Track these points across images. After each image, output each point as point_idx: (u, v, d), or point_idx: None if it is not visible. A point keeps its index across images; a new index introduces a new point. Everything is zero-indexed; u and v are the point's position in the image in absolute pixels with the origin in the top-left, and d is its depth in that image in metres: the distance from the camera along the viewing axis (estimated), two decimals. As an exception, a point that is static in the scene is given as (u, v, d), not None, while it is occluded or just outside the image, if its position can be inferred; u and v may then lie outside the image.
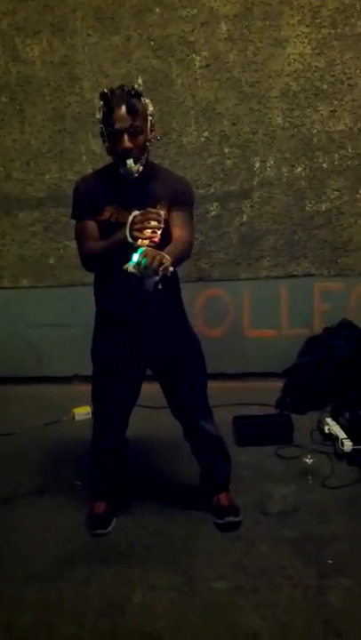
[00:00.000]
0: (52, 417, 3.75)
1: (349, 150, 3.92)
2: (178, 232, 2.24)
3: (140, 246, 1.94)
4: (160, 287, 1.92)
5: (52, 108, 4.07)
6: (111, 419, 2.57)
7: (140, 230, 1.97)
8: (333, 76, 3.83)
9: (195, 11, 3.83)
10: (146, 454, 3.18)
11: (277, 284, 4.16)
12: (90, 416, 3.69)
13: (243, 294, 4.20)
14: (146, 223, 1.97)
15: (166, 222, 2.23)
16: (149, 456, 3.18)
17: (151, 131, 2.23)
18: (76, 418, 3.76)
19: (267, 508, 2.67)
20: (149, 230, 1.97)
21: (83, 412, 3.75)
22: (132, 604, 2.14)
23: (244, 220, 4.09)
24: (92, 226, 2.27)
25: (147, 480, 2.97)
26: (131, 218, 1.99)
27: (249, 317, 4.22)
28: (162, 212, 2.04)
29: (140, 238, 1.96)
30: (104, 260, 2.21)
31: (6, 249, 4.34)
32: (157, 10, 3.86)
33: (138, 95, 2.19)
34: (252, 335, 4.24)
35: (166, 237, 2.18)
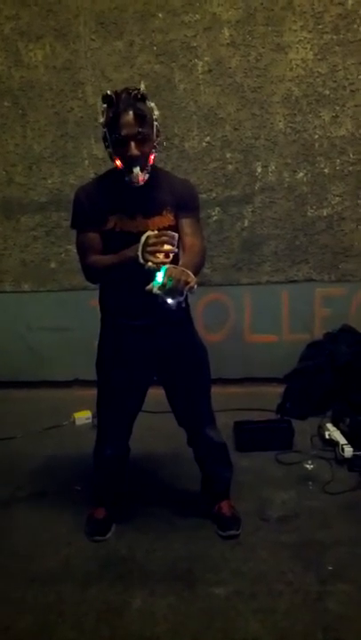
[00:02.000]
0: (53, 421, 3.75)
1: (351, 156, 3.92)
2: (190, 240, 2.20)
3: (152, 268, 1.90)
4: (183, 305, 1.90)
5: (54, 112, 4.08)
6: (116, 427, 2.55)
7: (153, 253, 1.93)
8: (335, 81, 3.83)
9: (197, 16, 3.84)
10: (147, 459, 3.17)
11: (278, 289, 4.16)
12: (90, 421, 3.70)
13: (244, 299, 4.20)
14: (159, 246, 1.93)
15: (174, 228, 2.21)
16: (151, 461, 3.18)
17: (157, 136, 2.17)
18: (77, 422, 3.75)
19: (267, 513, 2.67)
20: (162, 254, 1.93)
21: (83, 416, 3.75)
22: (132, 608, 2.14)
23: (246, 224, 4.09)
24: (94, 237, 2.22)
25: (147, 485, 2.97)
26: (144, 238, 1.95)
27: (250, 322, 4.22)
28: (176, 235, 1.97)
29: (151, 261, 1.92)
30: (110, 275, 2.20)
31: (8, 253, 4.34)
32: (160, 15, 3.87)
33: (143, 98, 2.12)
34: (252, 340, 4.24)
35: (178, 243, 2.16)
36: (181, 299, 1.86)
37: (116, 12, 3.89)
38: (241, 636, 1.99)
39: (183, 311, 2.39)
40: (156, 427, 3.24)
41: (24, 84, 4.07)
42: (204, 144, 4.01)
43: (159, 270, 1.88)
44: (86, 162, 4.11)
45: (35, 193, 4.22)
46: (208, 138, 4.00)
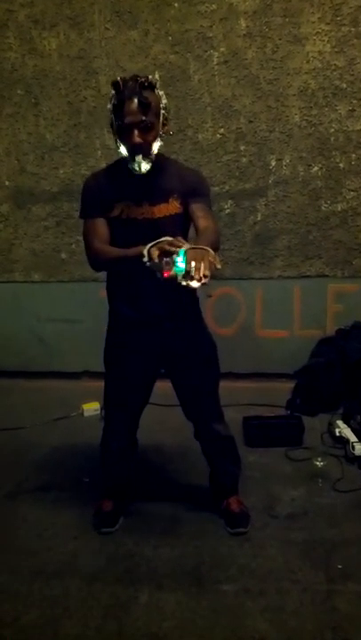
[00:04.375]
0: (62, 412, 3.74)
1: (367, 150, 3.88)
2: (204, 222, 2.17)
3: (149, 265, 1.85)
4: (206, 283, 1.78)
5: (67, 101, 4.05)
6: (123, 420, 2.54)
7: (160, 249, 1.85)
8: (353, 74, 3.78)
9: (214, 6, 3.80)
10: (156, 453, 3.16)
11: (290, 284, 4.13)
12: (98, 412, 3.69)
13: (255, 293, 4.17)
14: (170, 247, 1.85)
15: (181, 216, 2.21)
16: (159, 455, 3.17)
17: (164, 124, 2.15)
18: (85, 414, 3.74)
19: (276, 510, 2.65)
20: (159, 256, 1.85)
21: (92, 407, 3.74)
22: (139, 603, 2.13)
23: (259, 218, 4.06)
24: (101, 224, 2.21)
25: (155, 479, 2.96)
26: (162, 239, 1.89)
27: (261, 317, 4.19)
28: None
29: (152, 257, 1.85)
30: (116, 267, 2.19)
31: (18, 243, 4.33)
32: (176, 5, 3.83)
33: (152, 86, 2.10)
34: (263, 335, 4.21)
35: (181, 233, 2.13)
36: (207, 280, 1.77)
37: (132, 1, 3.86)
38: (248, 634, 1.97)
39: (192, 304, 2.38)
40: (164, 420, 3.23)
41: (37, 72, 4.04)
42: (218, 136, 3.98)
43: (177, 255, 1.81)
44: (99, 152, 4.08)
45: (46, 183, 4.20)
46: (222, 130, 3.97)
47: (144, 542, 2.45)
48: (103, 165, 3.94)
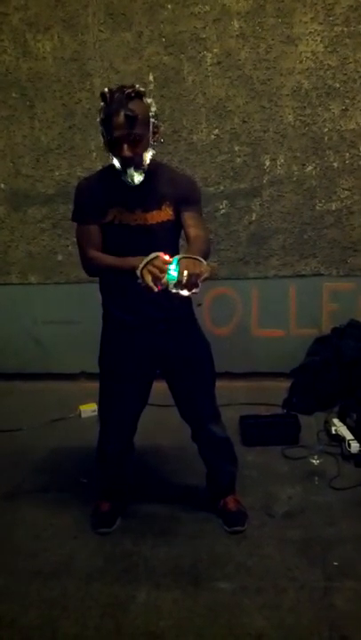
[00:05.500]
0: (59, 414, 3.75)
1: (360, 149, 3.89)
2: (195, 232, 2.19)
3: (141, 284, 1.89)
4: (196, 292, 1.86)
5: (62, 104, 4.06)
6: (119, 423, 2.53)
7: (152, 273, 1.87)
8: (346, 74, 3.80)
9: (207, 7, 3.81)
10: (152, 453, 3.17)
11: (286, 283, 4.14)
12: (96, 413, 3.67)
13: (251, 293, 4.18)
14: (160, 273, 1.87)
15: (173, 223, 2.23)
16: (155, 455, 3.17)
17: (154, 133, 2.14)
18: (82, 415, 3.75)
19: (272, 508, 2.66)
20: (152, 280, 1.87)
21: (89, 409, 3.75)
22: (136, 602, 2.13)
23: (254, 218, 4.07)
24: (94, 230, 2.22)
25: (153, 479, 2.97)
26: (152, 256, 1.91)
27: (257, 317, 4.20)
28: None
29: (144, 279, 1.88)
30: (110, 274, 2.21)
31: (14, 245, 4.34)
32: (169, 6, 3.84)
33: (140, 96, 2.08)
34: (259, 334, 4.22)
35: (173, 239, 2.19)
36: (197, 289, 1.84)
37: (125, 3, 3.87)
38: (246, 632, 1.98)
39: (186, 306, 2.38)
40: (161, 420, 3.22)
41: (32, 75, 4.05)
42: (212, 137, 3.99)
43: (171, 264, 1.86)
44: (94, 154, 4.09)
45: (42, 185, 4.21)
46: (216, 130, 3.98)
47: (142, 542, 2.46)
48: (99, 167, 3.96)
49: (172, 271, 1.84)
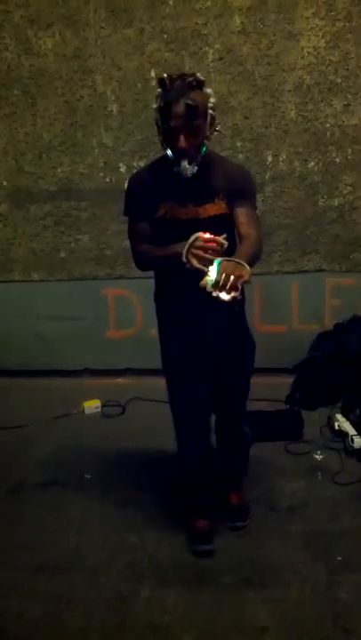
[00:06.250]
0: (62, 410, 3.75)
1: (363, 145, 3.89)
2: (245, 230, 2.12)
3: (191, 265, 1.87)
4: (240, 297, 1.80)
5: (64, 101, 4.06)
6: (195, 423, 2.40)
7: (196, 256, 1.86)
8: (348, 69, 3.79)
9: (208, 3, 3.80)
10: (158, 448, 3.17)
11: (288, 279, 4.14)
12: (99, 410, 3.71)
13: (253, 289, 4.16)
14: (204, 252, 1.86)
15: (227, 216, 2.16)
16: (161, 450, 3.17)
17: (211, 125, 2.08)
18: (86, 411, 3.75)
19: (276, 503, 2.67)
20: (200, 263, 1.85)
21: (92, 405, 3.75)
22: (141, 597, 2.15)
23: (256, 214, 4.06)
24: (145, 227, 2.18)
25: (157, 475, 2.97)
26: (192, 239, 1.89)
27: (259, 312, 4.20)
28: (225, 244, 1.90)
29: (191, 263, 1.87)
30: (159, 266, 2.19)
31: (17, 242, 4.34)
32: (171, 2, 3.83)
33: (200, 86, 2.00)
34: (262, 330, 4.20)
35: (229, 231, 2.07)
36: (237, 294, 1.77)
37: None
38: (250, 625, 2.00)
39: (238, 303, 2.33)
40: (166, 415, 3.23)
41: (34, 72, 4.05)
42: (214, 132, 3.97)
43: (211, 265, 1.81)
44: (96, 150, 4.09)
45: (44, 182, 4.21)
46: (218, 126, 3.92)
47: (147, 536, 2.48)
48: (101, 164, 4.01)
49: (212, 273, 1.78)
